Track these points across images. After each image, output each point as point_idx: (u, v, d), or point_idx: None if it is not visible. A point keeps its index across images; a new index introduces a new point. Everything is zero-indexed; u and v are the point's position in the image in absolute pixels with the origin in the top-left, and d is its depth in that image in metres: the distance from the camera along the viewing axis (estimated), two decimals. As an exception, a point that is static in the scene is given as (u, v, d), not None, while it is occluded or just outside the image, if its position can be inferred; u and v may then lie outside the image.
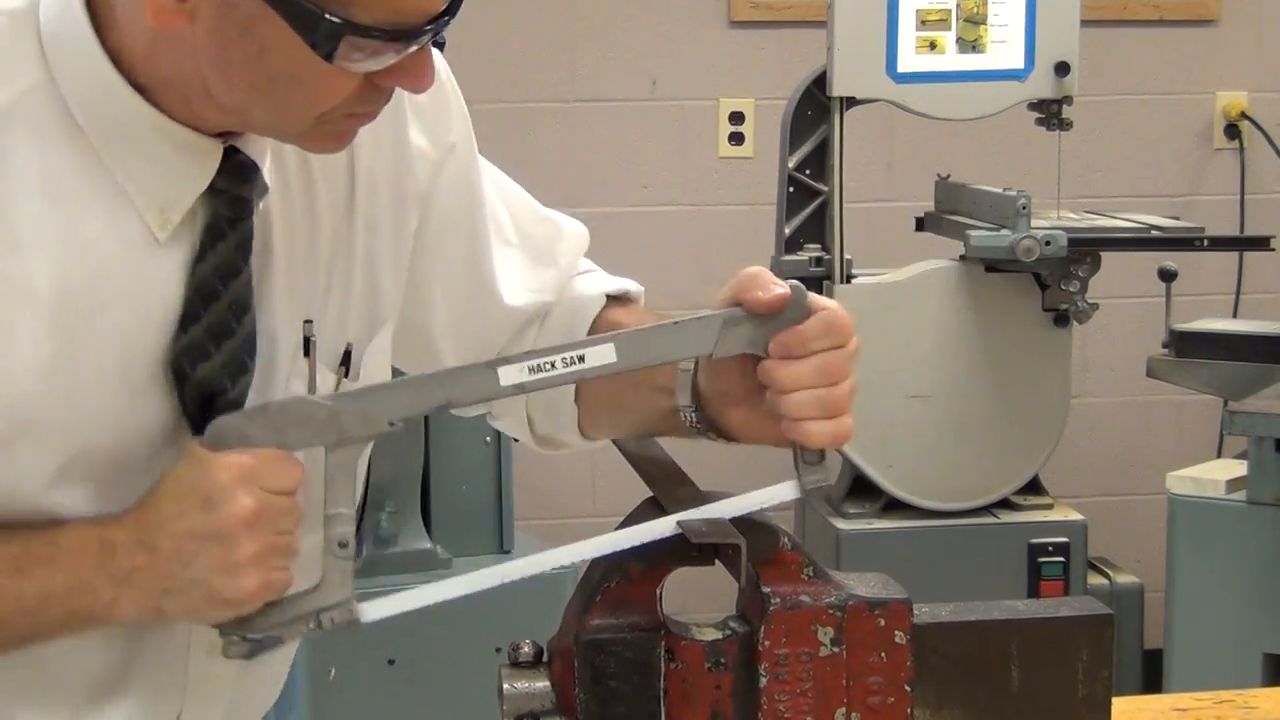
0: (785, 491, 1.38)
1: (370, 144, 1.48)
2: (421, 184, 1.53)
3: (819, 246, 3.77)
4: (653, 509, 1.37)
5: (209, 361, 1.36)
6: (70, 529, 1.34)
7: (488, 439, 3.66)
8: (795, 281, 1.36)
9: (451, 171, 1.56)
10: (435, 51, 1.51)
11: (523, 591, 4.03)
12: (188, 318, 1.36)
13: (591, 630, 1.31)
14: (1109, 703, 1.40)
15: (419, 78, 1.32)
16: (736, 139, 4.45)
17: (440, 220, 1.56)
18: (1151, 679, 3.75)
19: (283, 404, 1.33)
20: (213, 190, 1.36)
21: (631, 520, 1.36)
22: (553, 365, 1.32)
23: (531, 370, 1.32)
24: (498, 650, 3.37)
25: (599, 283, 1.64)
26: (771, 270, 1.37)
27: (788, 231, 3.79)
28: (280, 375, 1.43)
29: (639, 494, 1.43)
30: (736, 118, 4.44)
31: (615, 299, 1.62)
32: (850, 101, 3.72)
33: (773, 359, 1.35)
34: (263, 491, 1.29)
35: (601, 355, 1.33)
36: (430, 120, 1.54)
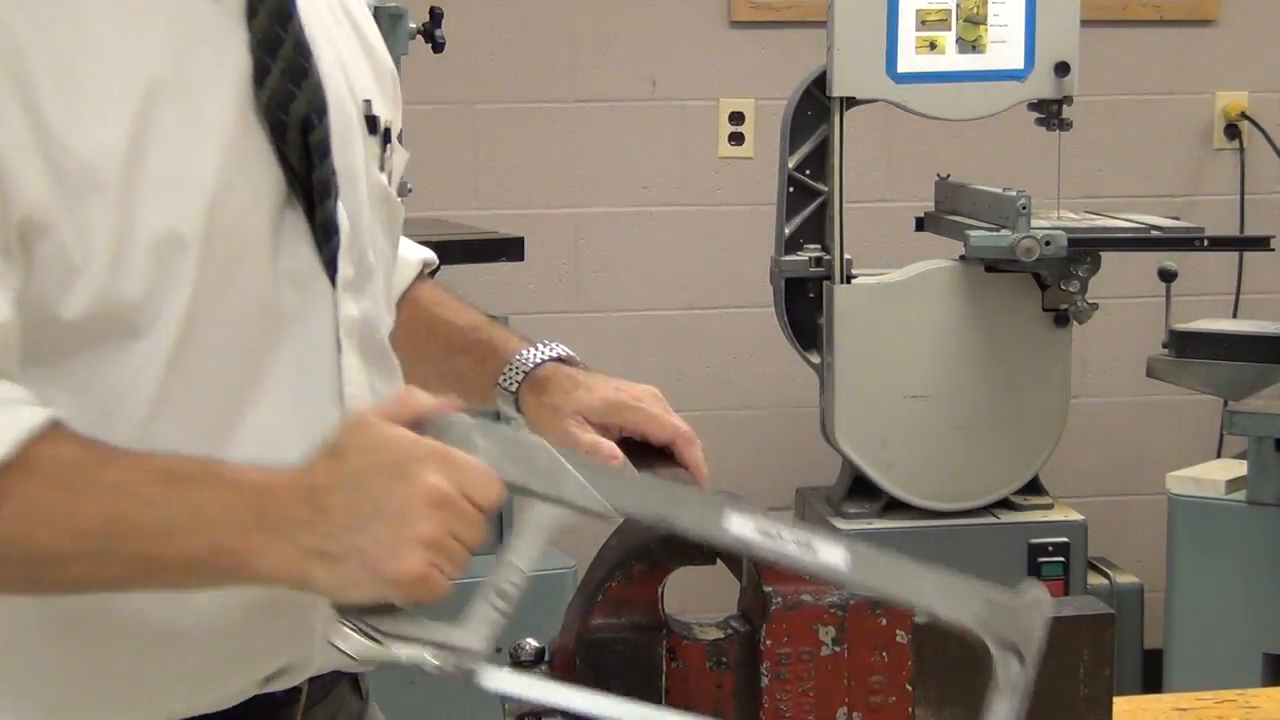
0: None
1: None
2: None
3: (819, 246, 3.76)
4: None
5: (296, 101, 1.37)
6: (230, 463, 1.27)
7: (488, 439, 3.65)
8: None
9: None
10: None
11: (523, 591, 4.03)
12: (261, 70, 1.36)
13: (593, 630, 1.31)
14: (1110, 702, 1.40)
15: None
16: (736, 139, 4.45)
17: None
18: (1151, 679, 3.75)
19: (520, 437, 1.27)
20: None
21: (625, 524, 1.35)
22: (781, 536, 1.24)
23: (761, 533, 1.24)
24: (499, 650, 3.37)
25: (413, 248, 1.69)
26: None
27: (788, 231, 3.78)
28: (357, 152, 1.45)
29: (640, 494, 1.42)
30: (736, 118, 4.44)
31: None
32: (850, 101, 3.72)
33: None
34: (455, 487, 1.22)
35: (832, 556, 1.25)
36: None
